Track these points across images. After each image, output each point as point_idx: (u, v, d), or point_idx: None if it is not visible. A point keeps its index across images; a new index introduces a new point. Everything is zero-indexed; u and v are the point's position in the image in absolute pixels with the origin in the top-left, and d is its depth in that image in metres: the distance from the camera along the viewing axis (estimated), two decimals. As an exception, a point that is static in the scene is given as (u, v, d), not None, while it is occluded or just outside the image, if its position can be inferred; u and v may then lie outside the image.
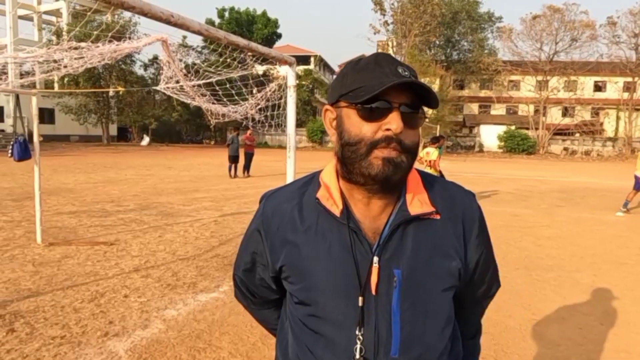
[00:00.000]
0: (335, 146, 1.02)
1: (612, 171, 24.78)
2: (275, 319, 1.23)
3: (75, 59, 4.26)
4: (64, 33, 25.72)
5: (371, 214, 1.01)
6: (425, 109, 0.99)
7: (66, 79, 32.95)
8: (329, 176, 1.05)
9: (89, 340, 3.51)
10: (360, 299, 0.97)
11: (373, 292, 0.97)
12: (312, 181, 1.10)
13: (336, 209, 1.00)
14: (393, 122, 0.92)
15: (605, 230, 8.42)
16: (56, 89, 32.11)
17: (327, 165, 1.08)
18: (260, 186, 13.60)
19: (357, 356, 0.97)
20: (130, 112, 37.93)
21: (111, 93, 35.52)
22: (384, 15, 42.83)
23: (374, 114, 0.94)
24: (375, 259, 0.98)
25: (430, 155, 10.30)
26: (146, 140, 40.11)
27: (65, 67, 4.49)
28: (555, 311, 4.38)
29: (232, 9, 43.83)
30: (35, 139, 6.20)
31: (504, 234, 7.65)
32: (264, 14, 44.55)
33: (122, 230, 7.31)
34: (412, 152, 0.96)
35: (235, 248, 6.42)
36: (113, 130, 41.27)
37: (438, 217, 1.03)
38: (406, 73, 0.94)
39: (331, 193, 1.03)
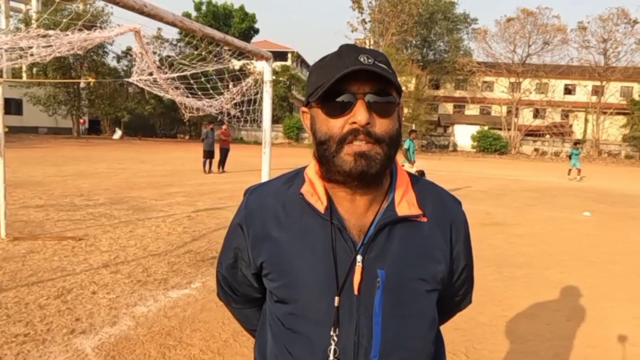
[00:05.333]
0: (313, 147, 1.00)
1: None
2: (256, 319, 1.19)
3: (42, 47, 4.12)
4: (32, 21, 24.88)
5: (357, 211, 0.98)
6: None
7: (35, 69, 31.90)
8: (314, 172, 1.02)
9: (54, 337, 3.40)
10: (337, 298, 0.94)
11: (355, 291, 0.94)
12: (297, 177, 1.07)
13: (320, 205, 0.98)
14: (357, 114, 0.89)
15: (574, 229, 8.65)
16: (24, 78, 31.06)
17: (312, 161, 1.05)
18: (235, 182, 13.47)
19: (331, 357, 0.94)
20: (102, 104, 36.96)
21: (82, 84, 34.57)
22: (362, 13, 43.12)
23: (337, 109, 0.92)
24: (359, 257, 0.95)
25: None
26: (118, 133, 39.24)
27: (32, 55, 4.34)
28: (525, 307, 4.46)
29: (209, 2, 43.20)
30: (0, 129, 5.99)
31: (477, 232, 7.76)
32: (242, 8, 44.15)
33: (91, 225, 7.13)
34: (386, 142, 0.93)
35: (209, 244, 6.35)
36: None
37: (425, 219, 1.01)
38: (370, 60, 0.90)
39: (316, 189, 1.00)
